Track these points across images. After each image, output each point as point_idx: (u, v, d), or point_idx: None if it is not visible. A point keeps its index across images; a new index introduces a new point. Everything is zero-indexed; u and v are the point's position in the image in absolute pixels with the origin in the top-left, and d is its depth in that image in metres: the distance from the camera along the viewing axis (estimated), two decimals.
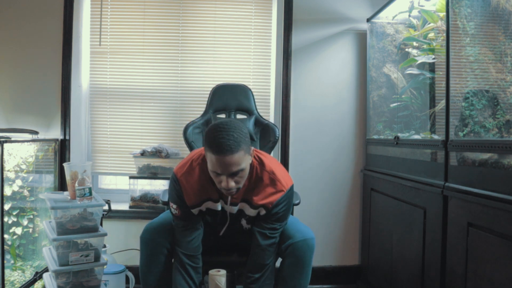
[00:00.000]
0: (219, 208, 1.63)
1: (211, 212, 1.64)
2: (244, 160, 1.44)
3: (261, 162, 1.61)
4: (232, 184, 1.45)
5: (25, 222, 2.15)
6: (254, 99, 2.20)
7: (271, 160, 1.66)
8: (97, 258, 1.78)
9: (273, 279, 1.63)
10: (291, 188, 1.63)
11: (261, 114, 2.22)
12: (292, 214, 1.92)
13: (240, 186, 1.50)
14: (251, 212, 1.61)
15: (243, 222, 1.66)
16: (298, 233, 1.58)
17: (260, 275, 1.59)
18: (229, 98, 2.16)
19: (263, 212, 1.58)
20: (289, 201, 1.62)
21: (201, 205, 1.61)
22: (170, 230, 1.62)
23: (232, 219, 1.68)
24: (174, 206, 1.62)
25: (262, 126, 2.14)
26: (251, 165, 1.57)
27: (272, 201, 1.56)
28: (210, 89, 2.22)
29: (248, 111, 2.17)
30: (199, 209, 1.61)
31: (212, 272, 1.60)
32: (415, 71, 2.17)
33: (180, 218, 1.61)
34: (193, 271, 1.60)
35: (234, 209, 1.63)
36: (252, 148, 1.54)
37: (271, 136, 2.11)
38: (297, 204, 1.91)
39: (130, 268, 2.26)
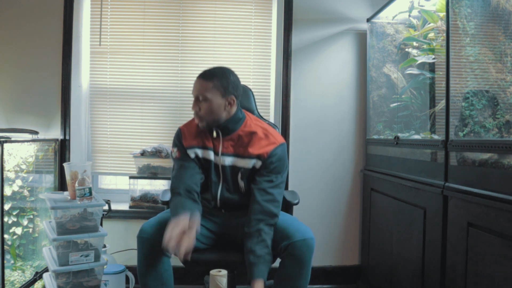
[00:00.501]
0: (213, 157, 1.71)
1: (206, 163, 1.71)
2: (210, 92, 1.62)
3: (255, 120, 1.77)
4: (196, 108, 1.65)
5: (25, 222, 2.15)
6: (254, 99, 2.21)
7: (265, 123, 1.81)
8: (97, 258, 1.78)
9: (270, 242, 1.59)
10: (284, 144, 1.73)
11: (261, 114, 2.22)
12: (291, 214, 1.93)
13: (202, 118, 1.65)
14: (245, 163, 1.68)
15: (239, 177, 1.70)
16: (298, 233, 1.57)
17: (256, 229, 1.58)
18: None
19: (258, 164, 1.67)
20: (283, 154, 1.70)
21: (195, 148, 1.71)
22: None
23: (226, 176, 1.71)
24: (175, 149, 1.75)
25: None
26: (245, 120, 1.73)
27: (267, 151, 1.66)
28: None
29: (249, 112, 2.16)
30: (194, 151, 1.71)
31: (213, 272, 1.59)
32: (415, 71, 2.17)
33: (179, 159, 1.72)
34: (193, 202, 1.63)
35: (225, 160, 1.69)
36: (234, 99, 1.67)
37: None
38: (296, 204, 1.91)
39: (130, 268, 2.26)
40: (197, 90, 1.65)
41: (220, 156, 1.70)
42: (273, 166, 1.67)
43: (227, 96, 1.65)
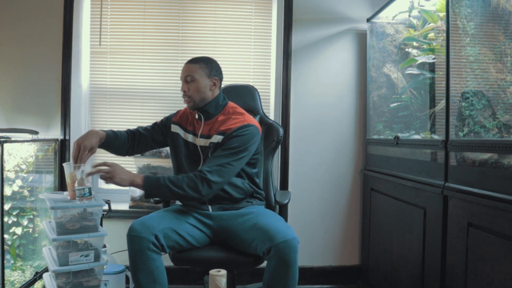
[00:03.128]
0: (191, 139, 1.86)
1: (186, 144, 1.88)
2: (198, 73, 1.81)
3: (236, 108, 1.90)
4: (185, 88, 1.81)
5: (25, 222, 2.15)
6: (260, 98, 2.22)
7: (243, 110, 1.91)
8: (97, 258, 1.78)
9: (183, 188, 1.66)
10: (256, 128, 1.81)
11: None
12: (286, 214, 1.93)
13: (190, 98, 1.81)
14: (214, 139, 1.79)
15: (209, 153, 1.79)
16: (279, 235, 1.56)
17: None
18: (235, 98, 2.14)
19: (220, 139, 1.76)
20: (248, 135, 1.76)
21: (181, 128, 1.90)
22: (155, 226, 1.64)
23: (205, 156, 1.82)
24: (160, 119, 2.01)
25: (266, 126, 2.14)
26: (226, 107, 1.88)
27: (231, 128, 1.77)
28: None
29: (254, 111, 2.17)
30: (177, 127, 1.91)
31: (213, 272, 1.59)
32: (415, 71, 2.17)
33: (154, 123, 1.98)
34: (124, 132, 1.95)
35: (202, 141, 1.83)
36: (218, 80, 1.86)
37: (274, 135, 2.10)
38: (286, 204, 1.92)
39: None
40: (186, 71, 1.82)
41: (199, 138, 1.84)
42: (232, 142, 1.73)
43: (212, 77, 1.84)
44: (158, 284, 1.62)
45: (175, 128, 1.92)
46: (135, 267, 1.61)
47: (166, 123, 1.97)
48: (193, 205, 1.86)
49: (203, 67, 1.82)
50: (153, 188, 1.65)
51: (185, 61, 2.55)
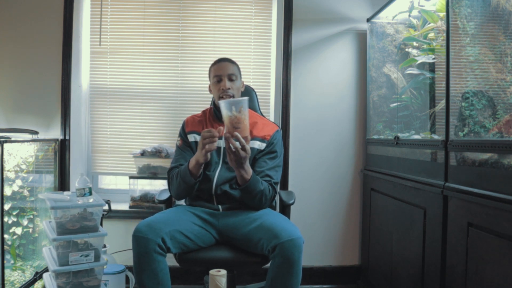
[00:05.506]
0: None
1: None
2: (237, 73, 1.90)
3: (254, 112, 2.00)
4: (228, 84, 1.84)
5: (25, 222, 2.16)
6: (257, 99, 2.22)
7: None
8: (97, 258, 1.78)
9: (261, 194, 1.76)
10: (281, 131, 2.01)
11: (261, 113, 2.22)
12: (289, 215, 1.93)
13: (234, 95, 1.86)
14: (256, 144, 1.86)
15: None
16: (284, 233, 1.57)
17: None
18: None
19: (263, 145, 1.87)
20: (281, 139, 1.96)
21: (194, 133, 1.92)
22: (162, 228, 1.63)
23: (226, 159, 1.81)
24: (178, 138, 1.97)
25: None
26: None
27: (270, 134, 1.91)
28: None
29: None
30: (193, 136, 1.92)
31: (213, 272, 1.59)
32: (415, 71, 2.17)
33: (180, 148, 1.93)
34: None
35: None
36: (244, 83, 1.99)
37: None
38: (291, 204, 1.91)
39: (130, 268, 2.25)
40: (229, 69, 1.88)
41: (224, 139, 1.77)
42: (275, 147, 1.89)
43: (242, 80, 1.96)
44: (162, 285, 1.61)
45: (193, 137, 1.92)
46: (140, 269, 1.60)
47: (185, 139, 1.94)
48: (200, 204, 1.86)
49: (238, 69, 1.93)
50: (252, 186, 1.72)
51: (185, 61, 2.61)
